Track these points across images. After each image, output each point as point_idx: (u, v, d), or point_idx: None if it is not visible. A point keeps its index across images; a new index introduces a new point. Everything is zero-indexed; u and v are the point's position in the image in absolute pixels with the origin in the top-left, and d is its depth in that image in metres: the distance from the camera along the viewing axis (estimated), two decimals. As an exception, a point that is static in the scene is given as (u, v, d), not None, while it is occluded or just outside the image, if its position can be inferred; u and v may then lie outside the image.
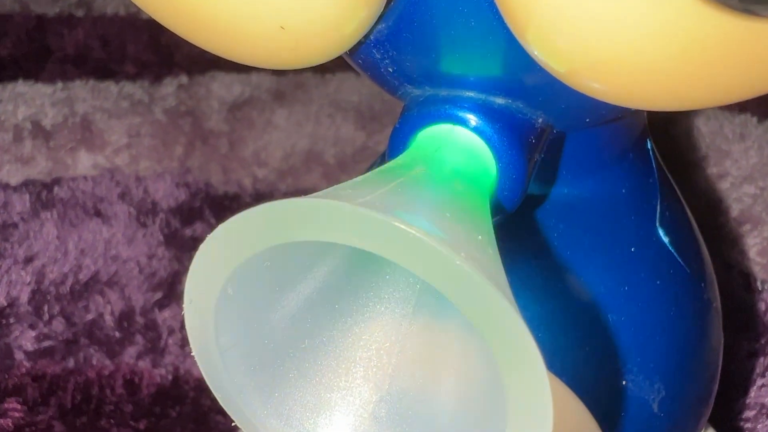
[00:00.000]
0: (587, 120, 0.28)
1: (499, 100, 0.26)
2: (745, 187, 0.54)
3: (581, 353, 0.31)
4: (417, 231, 0.20)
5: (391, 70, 0.27)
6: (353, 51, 0.26)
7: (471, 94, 0.26)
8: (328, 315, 0.26)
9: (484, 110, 0.26)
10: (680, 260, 0.33)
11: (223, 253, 0.22)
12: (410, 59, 0.26)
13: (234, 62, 0.61)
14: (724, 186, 0.54)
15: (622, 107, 0.27)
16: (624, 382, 0.32)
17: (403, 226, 0.20)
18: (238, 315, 0.24)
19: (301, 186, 0.54)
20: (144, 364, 0.49)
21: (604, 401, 0.32)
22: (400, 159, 0.25)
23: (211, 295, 0.23)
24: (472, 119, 0.26)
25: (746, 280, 0.51)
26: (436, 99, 0.26)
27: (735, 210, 0.53)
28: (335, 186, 0.23)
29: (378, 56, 0.26)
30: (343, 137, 0.56)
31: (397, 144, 0.27)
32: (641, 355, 0.32)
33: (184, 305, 0.24)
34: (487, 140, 0.26)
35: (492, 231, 0.24)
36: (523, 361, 0.21)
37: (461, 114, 0.26)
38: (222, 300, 0.23)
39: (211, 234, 0.22)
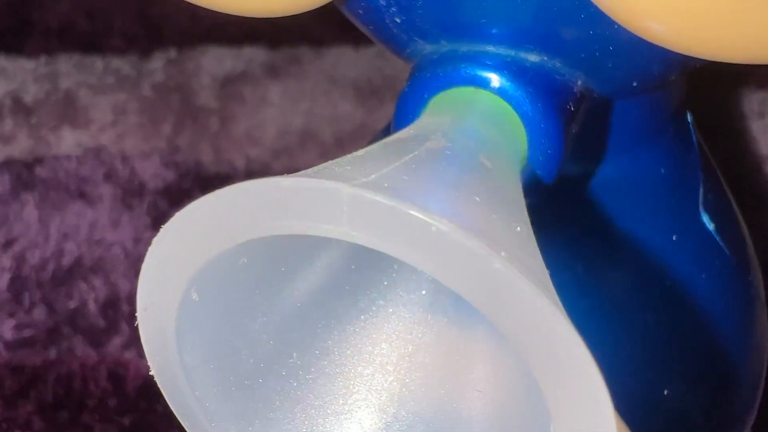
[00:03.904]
0: (634, 84, 0.22)
1: (532, 58, 0.21)
2: (765, 168, 0.48)
3: (616, 360, 0.25)
4: (441, 222, 0.14)
5: (398, 20, 0.21)
6: (351, -4, 0.20)
7: (497, 49, 0.20)
8: (321, 322, 0.20)
9: (514, 70, 0.20)
10: (726, 250, 0.27)
11: (183, 249, 0.16)
12: (422, 4, 0.20)
13: (226, 36, 0.56)
14: (741, 167, 0.49)
15: (677, 66, 0.21)
16: (665, 392, 0.26)
17: (421, 216, 0.14)
18: (206, 325, 0.18)
19: (297, 166, 0.49)
20: (130, 354, 0.45)
21: (642, 415, 0.26)
22: (411, 129, 0.19)
23: (170, 301, 0.17)
24: (499, 81, 0.20)
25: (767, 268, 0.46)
26: (454, 56, 0.21)
27: (754, 193, 0.48)
28: (330, 162, 0.16)
29: (382, 2, 0.20)
30: (340, 114, 0.51)
31: (405, 112, 0.21)
32: (684, 360, 0.26)
33: (137, 313, 0.18)
34: (517, 106, 0.20)
35: (528, 220, 0.17)
36: (582, 397, 0.14)
37: (485, 74, 0.20)
38: (185, 307, 0.17)
39: (167, 225, 0.16)
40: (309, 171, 0.15)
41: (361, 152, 0.17)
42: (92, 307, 0.46)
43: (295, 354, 0.19)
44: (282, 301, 0.19)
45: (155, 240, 0.16)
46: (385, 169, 0.15)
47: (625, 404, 0.24)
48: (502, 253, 0.14)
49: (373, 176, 0.15)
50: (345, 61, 0.52)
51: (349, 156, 0.17)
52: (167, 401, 0.19)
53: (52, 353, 0.44)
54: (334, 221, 0.14)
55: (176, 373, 0.18)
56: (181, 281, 0.17)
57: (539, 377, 0.15)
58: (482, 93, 0.20)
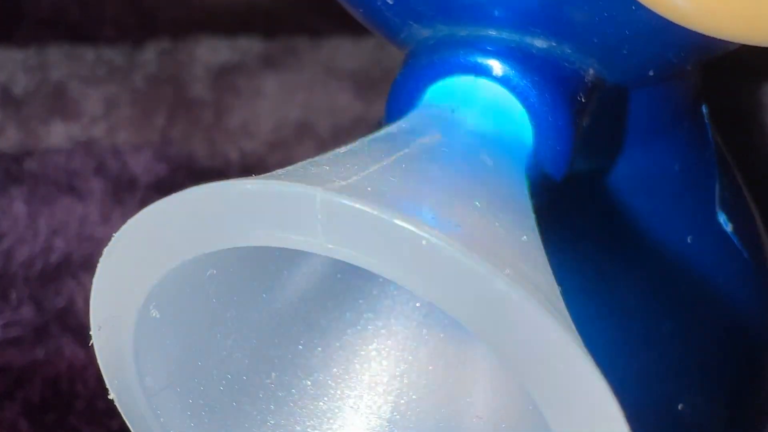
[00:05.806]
0: (650, 73, 0.20)
1: (539, 43, 0.19)
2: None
3: (629, 372, 0.23)
4: (433, 234, 0.11)
5: (390, 1, 0.18)
6: (339, -26, 0.18)
7: (500, 34, 0.18)
8: (303, 338, 0.17)
9: (518, 56, 0.18)
10: (745, 252, 0.25)
11: (139, 260, 0.14)
12: (417, -17, 0.18)
13: (220, 25, 0.54)
14: (752, 160, 0.47)
15: (698, 52, 0.19)
16: (680, 407, 0.23)
17: (410, 226, 0.11)
18: (170, 344, 0.16)
19: (293, 160, 0.47)
20: (120, 355, 0.43)
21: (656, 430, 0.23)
22: (403, 122, 0.16)
23: (127, 318, 0.15)
24: (502, 69, 0.18)
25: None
26: (452, 41, 0.19)
27: (767, 187, 0.46)
28: (308, 160, 0.14)
29: (373, -19, 0.18)
30: (338, 107, 0.50)
31: (397, 104, 0.19)
32: (701, 371, 0.24)
33: (91, 332, 0.15)
34: (522, 97, 0.18)
35: (536, 226, 0.15)
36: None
37: (486, 61, 0.18)
38: (144, 325, 0.15)
39: (119, 232, 0.14)
40: (281, 171, 0.13)
41: (343, 149, 0.14)
42: (82, 305, 0.43)
43: (273, 374, 0.17)
44: (258, 314, 0.17)
45: (107, 249, 0.14)
46: (370, 170, 0.13)
47: (637, 420, 0.22)
48: (507, 271, 0.11)
49: (355, 178, 0.12)
50: (343, 52, 0.51)
51: (329, 153, 0.14)
52: (130, 429, 0.17)
53: (40, 353, 0.42)
54: (308, 232, 0.12)
55: (137, 398, 0.16)
56: (137, 296, 0.14)
57: (546, 411, 0.13)
58: (483, 82, 0.18)
